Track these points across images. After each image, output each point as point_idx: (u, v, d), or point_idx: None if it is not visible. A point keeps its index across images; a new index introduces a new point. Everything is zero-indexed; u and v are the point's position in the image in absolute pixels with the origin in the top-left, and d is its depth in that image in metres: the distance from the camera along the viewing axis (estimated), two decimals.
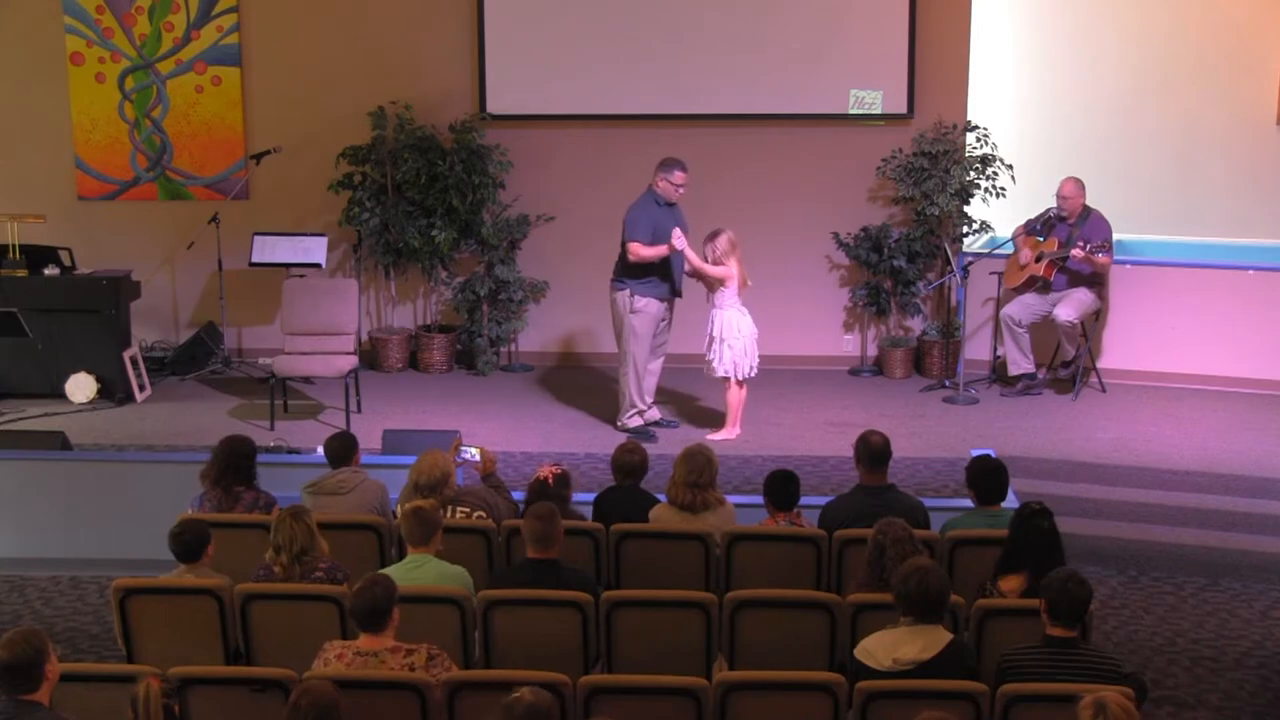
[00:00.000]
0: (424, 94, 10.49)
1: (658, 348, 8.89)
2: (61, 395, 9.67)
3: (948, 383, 9.90)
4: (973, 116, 10.23)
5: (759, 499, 6.18)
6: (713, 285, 8.59)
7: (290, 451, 7.98)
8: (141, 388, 9.88)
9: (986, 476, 5.95)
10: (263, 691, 4.61)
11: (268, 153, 10.48)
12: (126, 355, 9.79)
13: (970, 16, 10.20)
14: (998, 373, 10.08)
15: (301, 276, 10.00)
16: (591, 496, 6.49)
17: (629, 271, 8.67)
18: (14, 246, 9.74)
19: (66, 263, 9.96)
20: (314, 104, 10.61)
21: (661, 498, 6.22)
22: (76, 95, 10.78)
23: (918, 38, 10.19)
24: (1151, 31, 10.28)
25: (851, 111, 10.32)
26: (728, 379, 8.62)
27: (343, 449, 6.48)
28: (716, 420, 9.01)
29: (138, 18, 10.67)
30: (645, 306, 8.69)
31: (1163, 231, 10.33)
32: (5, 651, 4.24)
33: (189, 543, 5.40)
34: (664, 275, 8.69)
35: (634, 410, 8.86)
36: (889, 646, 4.65)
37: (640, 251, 8.55)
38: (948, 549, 5.71)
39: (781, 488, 6.02)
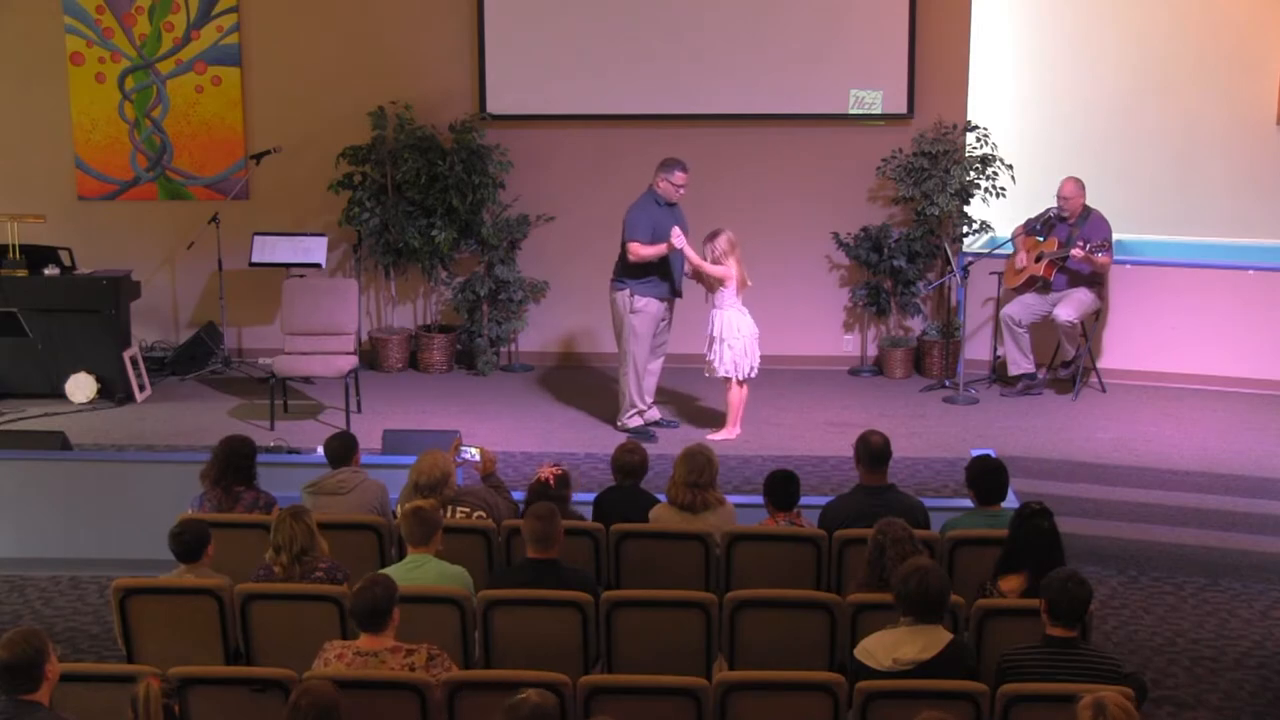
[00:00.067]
0: (424, 94, 10.49)
1: (658, 348, 8.89)
2: (61, 395, 9.67)
3: (948, 383, 9.90)
4: (973, 116, 10.23)
5: (759, 499, 6.18)
6: (712, 285, 8.59)
7: (290, 451, 7.98)
8: (141, 388, 9.88)
9: (986, 476, 5.96)
10: (263, 691, 4.61)
11: (268, 153, 10.48)
12: (126, 355, 9.79)
13: (970, 16, 10.21)
14: (998, 373, 10.08)
15: (301, 276, 10.00)
16: (591, 496, 6.49)
17: (629, 271, 8.67)
18: (14, 246, 9.74)
19: (66, 263, 9.96)
20: (314, 104, 10.61)
21: (661, 498, 6.22)
22: (76, 95, 10.78)
23: (918, 38, 10.19)
24: (1151, 31, 10.28)
25: (851, 111, 10.32)
26: (728, 379, 8.62)
27: (343, 449, 6.48)
28: (716, 420, 9.01)
29: (138, 18, 10.67)
30: (645, 306, 8.69)
31: (1163, 231, 10.33)
32: (5, 651, 4.24)
33: (189, 543, 5.40)
34: (664, 275, 8.69)
35: (634, 410, 8.86)
36: (889, 646, 4.65)
37: (640, 251, 8.55)
38: (948, 549, 5.71)
39: (781, 488, 6.02)
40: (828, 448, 8.50)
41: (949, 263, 9.98)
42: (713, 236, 8.49)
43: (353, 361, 9.27)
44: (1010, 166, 10.13)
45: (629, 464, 6.30)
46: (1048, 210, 9.66)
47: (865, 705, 4.47)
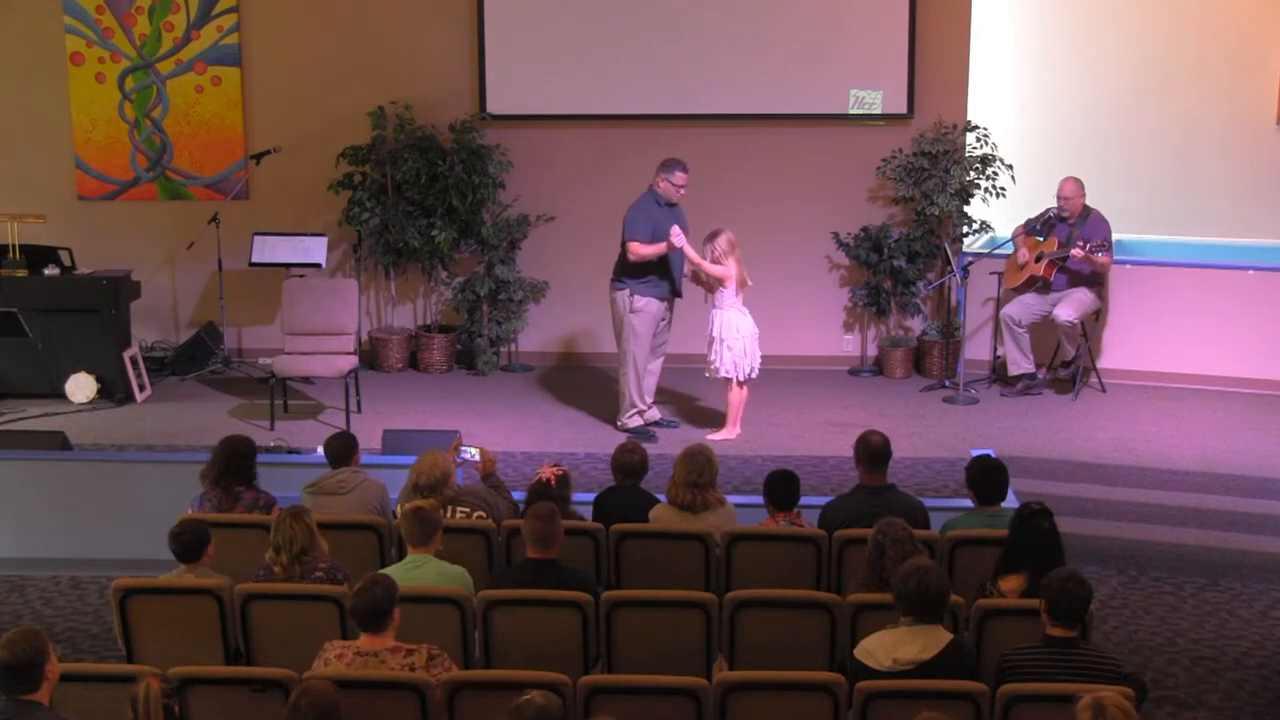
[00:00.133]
0: (424, 94, 10.49)
1: (658, 348, 8.89)
2: (61, 395, 9.67)
3: (948, 383, 9.90)
4: (973, 116, 10.23)
5: (759, 499, 6.18)
6: (712, 285, 8.59)
7: (290, 451, 7.98)
8: (141, 388, 9.88)
9: (986, 476, 5.95)
10: (263, 691, 4.61)
11: (268, 153, 10.48)
12: (126, 355, 9.79)
13: (970, 16, 10.21)
14: (998, 373, 10.08)
15: (301, 276, 10.01)
16: (591, 496, 6.50)
17: (629, 271, 8.67)
18: (14, 246, 9.74)
19: (66, 263, 9.96)
20: (314, 104, 10.61)
21: (661, 498, 6.22)
22: (76, 95, 10.78)
23: (918, 38, 10.19)
24: (1151, 31, 10.28)
25: (851, 111, 10.32)
26: (728, 379, 8.62)
27: (343, 449, 6.48)
28: (716, 420, 9.01)
29: (138, 18, 10.67)
30: (645, 306, 8.69)
31: (1163, 231, 10.33)
32: (5, 651, 4.24)
33: (189, 543, 5.40)
34: (664, 275, 8.69)
35: (634, 410, 8.86)
36: (889, 646, 4.65)
37: (639, 250, 8.55)
38: (948, 549, 5.71)
39: (781, 488, 6.02)
40: (828, 448, 8.50)
41: (949, 263, 9.98)
42: (713, 236, 8.50)
43: (353, 361, 9.27)
44: (1010, 166, 10.13)
45: (629, 464, 6.30)
46: (1048, 210, 9.66)
47: (865, 705, 4.47)
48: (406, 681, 4.57)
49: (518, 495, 6.55)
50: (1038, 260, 9.59)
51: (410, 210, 10.32)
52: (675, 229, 8.51)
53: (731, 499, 6.27)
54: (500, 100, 10.50)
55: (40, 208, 10.14)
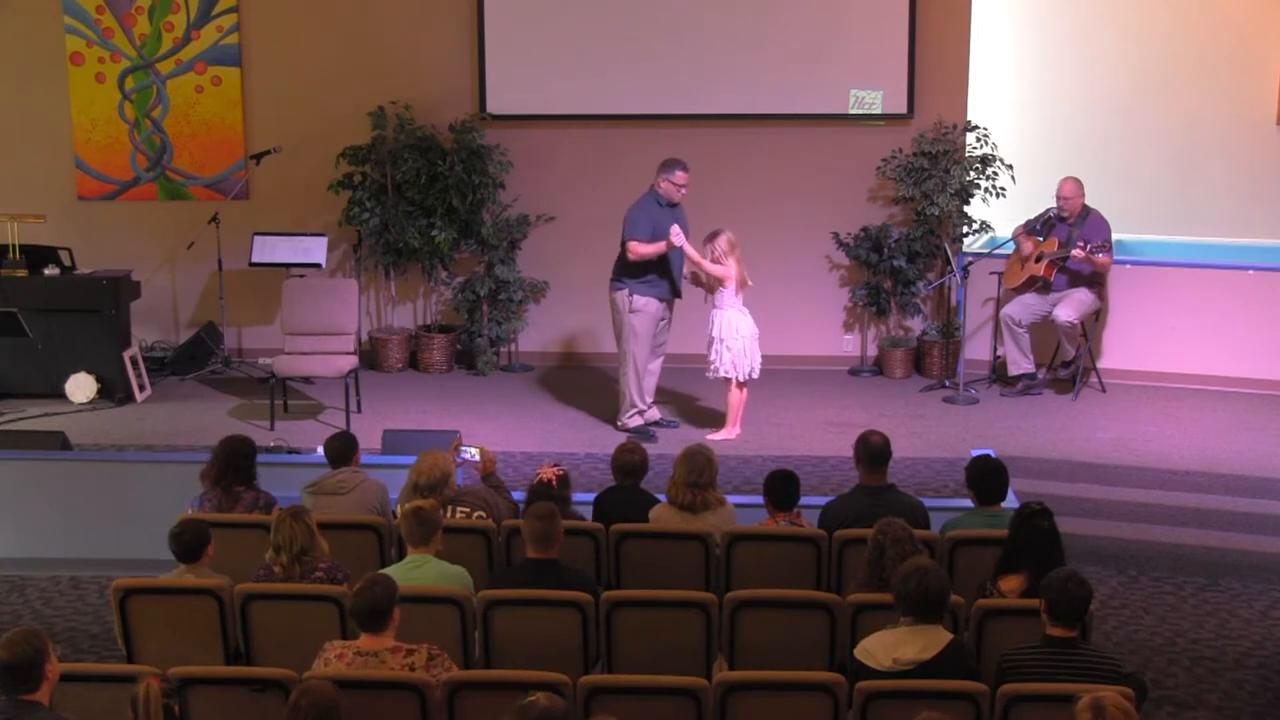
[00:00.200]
0: (424, 94, 10.49)
1: (657, 348, 8.89)
2: (61, 395, 9.67)
3: (948, 383, 9.90)
4: (973, 116, 10.23)
5: (759, 499, 6.18)
6: (712, 285, 8.59)
7: (290, 451, 7.98)
8: (141, 388, 9.88)
9: (986, 476, 5.95)
10: (263, 691, 4.61)
11: (268, 153, 10.48)
12: (126, 355, 9.79)
13: (970, 16, 10.21)
14: (998, 373, 10.08)
15: (301, 276, 10.01)
16: (591, 496, 6.50)
17: (628, 271, 8.67)
18: (14, 246, 9.74)
19: (66, 263, 9.96)
20: (314, 104, 10.61)
21: (661, 498, 6.22)
22: (76, 95, 10.78)
23: (918, 38, 10.19)
24: (1151, 31, 10.28)
25: (851, 111, 10.32)
26: (728, 379, 8.62)
27: (343, 449, 6.48)
28: (716, 420, 9.01)
29: (138, 18, 10.67)
30: (645, 306, 8.69)
31: (1163, 231, 10.33)
32: (5, 651, 4.24)
33: (189, 543, 5.40)
34: (663, 275, 8.69)
35: (634, 410, 8.86)
36: (889, 646, 4.65)
37: (639, 249, 8.55)
38: (948, 549, 5.71)
39: (781, 488, 6.02)
40: (828, 448, 8.50)
41: (949, 263, 9.98)
42: (713, 236, 8.50)
43: (353, 361, 9.27)
44: (1010, 166, 10.13)
45: (629, 464, 6.30)
46: (1047, 210, 9.66)
47: (865, 705, 4.47)
48: (406, 681, 4.57)
49: (518, 495, 6.55)
50: (1038, 260, 9.59)
51: (410, 210, 10.32)
52: (675, 228, 8.51)
53: (731, 499, 6.27)
54: (500, 100, 10.50)
55: (40, 208, 10.14)
